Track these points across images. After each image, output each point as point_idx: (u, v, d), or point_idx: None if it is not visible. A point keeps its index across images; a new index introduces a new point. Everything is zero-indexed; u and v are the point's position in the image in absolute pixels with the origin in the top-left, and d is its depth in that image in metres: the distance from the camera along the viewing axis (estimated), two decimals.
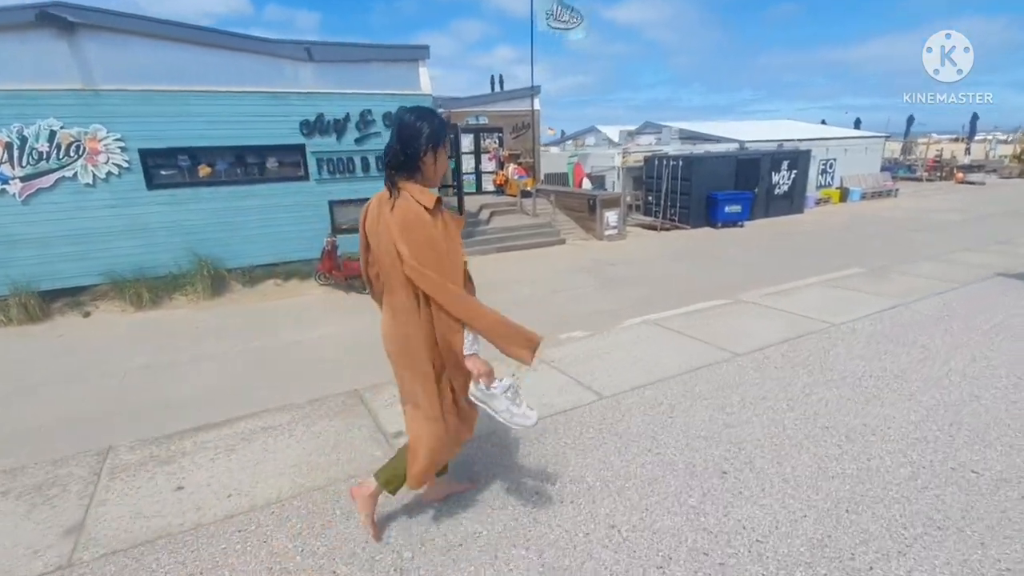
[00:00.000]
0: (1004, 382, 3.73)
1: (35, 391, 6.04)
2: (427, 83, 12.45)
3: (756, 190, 16.98)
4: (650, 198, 17.58)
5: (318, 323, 8.63)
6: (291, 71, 11.15)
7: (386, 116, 12.03)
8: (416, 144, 2.05)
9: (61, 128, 9.47)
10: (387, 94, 12.03)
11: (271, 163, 11.43)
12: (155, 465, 2.88)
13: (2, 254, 9.44)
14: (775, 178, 17.55)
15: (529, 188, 16.48)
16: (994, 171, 30.62)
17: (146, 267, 10.34)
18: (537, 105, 18.78)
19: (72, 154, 9.64)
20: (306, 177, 11.66)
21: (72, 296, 10.05)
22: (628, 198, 18.22)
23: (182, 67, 10.19)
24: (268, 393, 5.30)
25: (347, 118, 11.69)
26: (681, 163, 16.30)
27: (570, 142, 29.21)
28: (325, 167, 11.74)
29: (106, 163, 9.86)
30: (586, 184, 17.96)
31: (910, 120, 33.97)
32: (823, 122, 30.74)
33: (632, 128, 25.97)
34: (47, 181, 9.54)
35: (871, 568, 2.12)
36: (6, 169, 9.22)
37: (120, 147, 9.91)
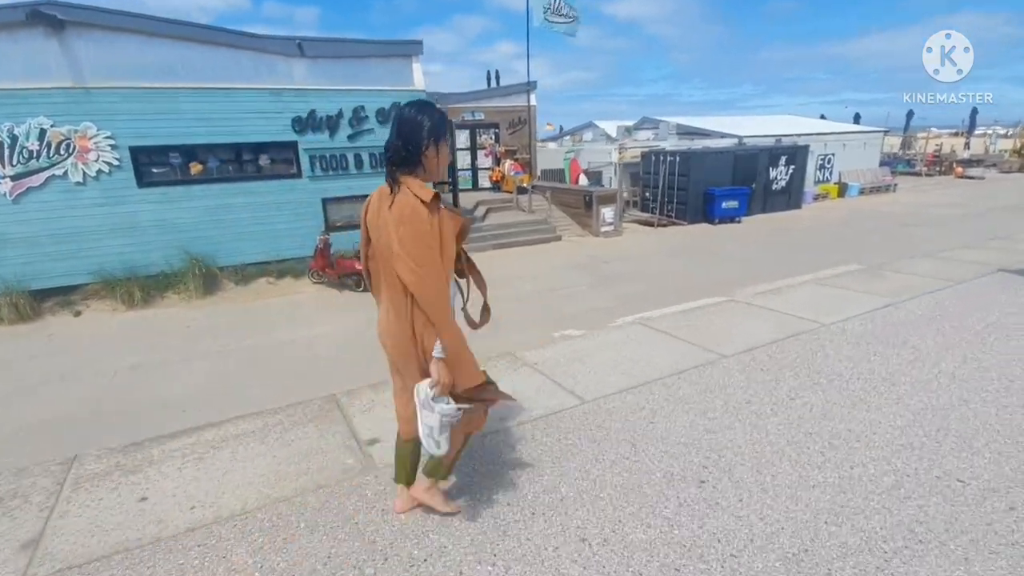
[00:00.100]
0: (995, 385, 3.65)
1: (20, 393, 5.99)
2: (420, 78, 12.34)
3: (754, 186, 16.87)
4: (647, 194, 17.47)
5: (310, 322, 8.57)
6: (283, 67, 11.05)
7: (379, 112, 11.94)
8: (418, 138, 2.06)
9: (51, 126, 9.40)
10: (380, 90, 11.94)
11: (263, 160, 11.34)
12: (120, 475, 2.81)
13: None
14: (773, 173, 17.44)
15: (525, 184, 16.38)
16: (994, 165, 30.46)
17: (137, 266, 10.28)
18: (533, 101, 18.66)
19: (62, 152, 9.57)
20: (299, 174, 11.58)
21: (63, 295, 9.99)
22: (625, 194, 18.11)
23: (173, 64, 10.10)
24: (257, 393, 5.25)
25: (340, 114, 11.60)
26: (678, 159, 16.19)
27: (568, 138, 29.06)
28: (318, 164, 11.66)
29: (96, 161, 9.79)
30: (583, 180, 17.85)
31: (909, 115, 33.78)
32: (822, 117, 30.60)
33: (630, 124, 25.82)
34: (37, 180, 9.47)
35: None
36: None
37: (110, 145, 9.83)
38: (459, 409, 2.09)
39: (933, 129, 39.27)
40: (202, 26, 10.31)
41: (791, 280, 7.39)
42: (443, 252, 2.04)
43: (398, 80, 12.19)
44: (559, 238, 14.76)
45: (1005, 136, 35.70)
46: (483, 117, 18.76)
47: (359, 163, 11.98)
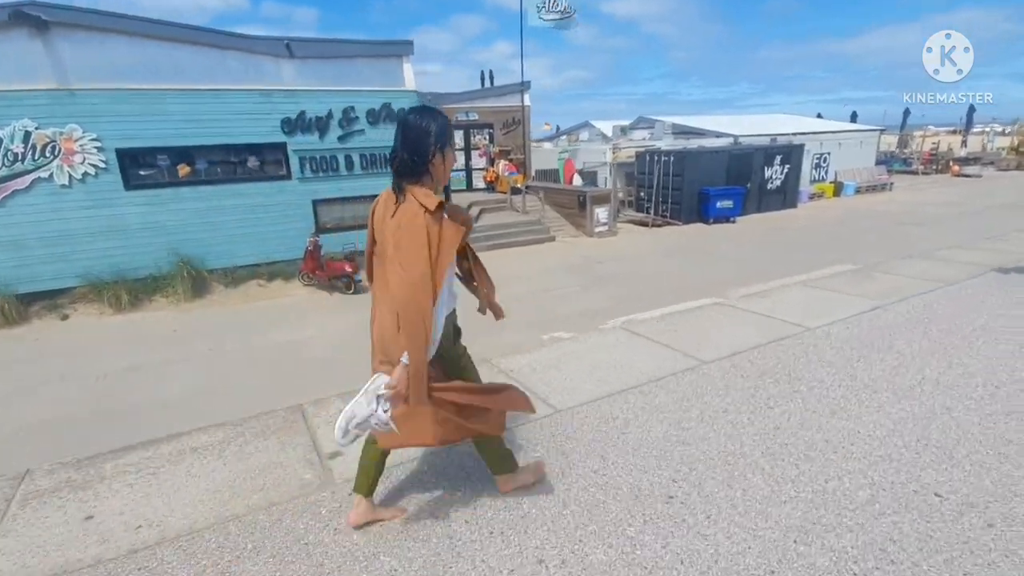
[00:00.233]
0: (979, 392, 3.55)
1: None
2: (411, 79, 12.26)
3: (748, 185, 16.79)
4: (642, 194, 17.37)
5: (298, 325, 8.48)
6: (272, 68, 10.97)
7: (370, 113, 11.86)
8: (424, 147, 2.03)
9: (36, 129, 9.33)
10: (371, 90, 11.86)
11: (252, 162, 11.26)
12: (69, 491, 2.72)
13: None
14: (768, 173, 17.34)
15: (519, 185, 16.28)
16: (991, 163, 30.33)
17: (125, 269, 10.20)
18: (528, 101, 18.55)
19: (48, 155, 9.49)
20: (288, 176, 11.50)
21: (50, 299, 9.92)
22: (620, 194, 18.02)
23: (160, 65, 10.02)
24: (233, 400, 5.16)
25: (330, 115, 11.52)
26: (673, 158, 16.09)
27: (564, 138, 28.96)
28: (308, 166, 11.57)
29: (82, 163, 9.71)
30: (577, 180, 17.76)
31: (906, 113, 33.64)
32: (819, 115, 30.49)
33: (626, 123, 25.72)
34: (22, 183, 9.39)
35: None
36: None
37: (96, 147, 9.76)
38: (387, 424, 2.06)
39: (931, 127, 39.10)
40: (188, 27, 10.22)
41: (781, 281, 7.29)
42: (439, 260, 1.99)
43: (389, 80, 12.11)
44: (553, 239, 14.67)
45: (1003, 133, 35.53)
46: (477, 117, 18.67)
47: (350, 164, 11.89)
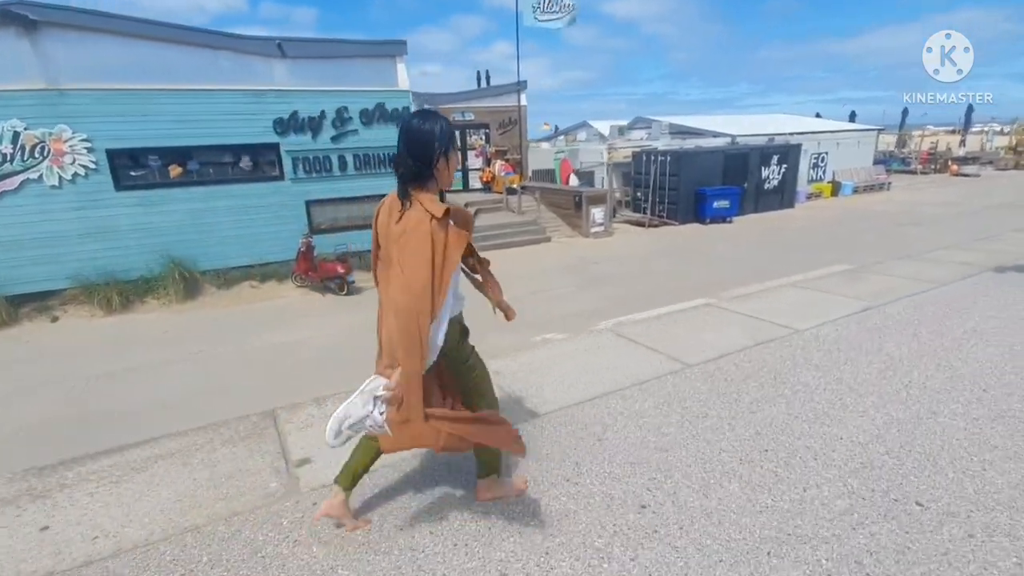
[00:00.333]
0: (967, 395, 3.48)
1: None
2: (404, 79, 12.18)
3: (745, 185, 16.72)
4: (639, 194, 17.30)
5: (290, 327, 8.40)
6: (264, 68, 10.90)
7: (363, 113, 11.78)
8: (429, 152, 2.02)
9: (25, 129, 9.25)
10: (364, 91, 11.78)
11: (245, 162, 11.18)
12: (28, 500, 2.65)
13: None
14: (765, 173, 17.26)
15: (515, 185, 16.21)
16: (990, 163, 30.23)
17: (116, 270, 10.13)
18: (524, 100, 18.49)
19: (37, 155, 9.42)
20: (281, 176, 11.43)
21: (41, 300, 9.85)
22: (617, 194, 17.96)
23: (150, 65, 9.95)
24: (223, 402, 5.07)
25: (322, 115, 11.44)
26: (669, 158, 16.02)
27: (562, 138, 28.89)
28: (301, 166, 11.49)
29: (72, 164, 9.64)
30: (573, 180, 17.68)
31: (905, 113, 33.56)
32: (818, 115, 30.41)
33: (623, 123, 25.64)
34: (11, 184, 9.33)
35: None
36: None
37: (86, 148, 9.68)
38: (382, 427, 2.03)
39: (930, 127, 38.98)
40: (179, 26, 10.15)
41: (774, 282, 7.21)
42: (444, 268, 1.98)
43: (382, 80, 12.03)
44: (548, 239, 14.61)
45: (1001, 133, 35.39)
46: (473, 117, 18.60)
47: (343, 165, 11.81)
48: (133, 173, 10.27)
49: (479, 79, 20.01)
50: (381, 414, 2.02)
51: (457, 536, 2.33)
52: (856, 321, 5.02)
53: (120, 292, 9.97)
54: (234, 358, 7.11)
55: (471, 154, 19.05)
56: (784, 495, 2.56)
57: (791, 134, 19.77)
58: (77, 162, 9.66)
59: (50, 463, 2.97)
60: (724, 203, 15.92)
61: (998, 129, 36.61)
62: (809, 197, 19.61)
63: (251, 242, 11.24)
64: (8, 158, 9.21)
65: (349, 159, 11.82)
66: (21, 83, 9.12)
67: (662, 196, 16.34)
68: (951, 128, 36.39)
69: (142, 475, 2.81)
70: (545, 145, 25.34)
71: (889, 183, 22.24)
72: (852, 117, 33.14)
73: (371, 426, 2.04)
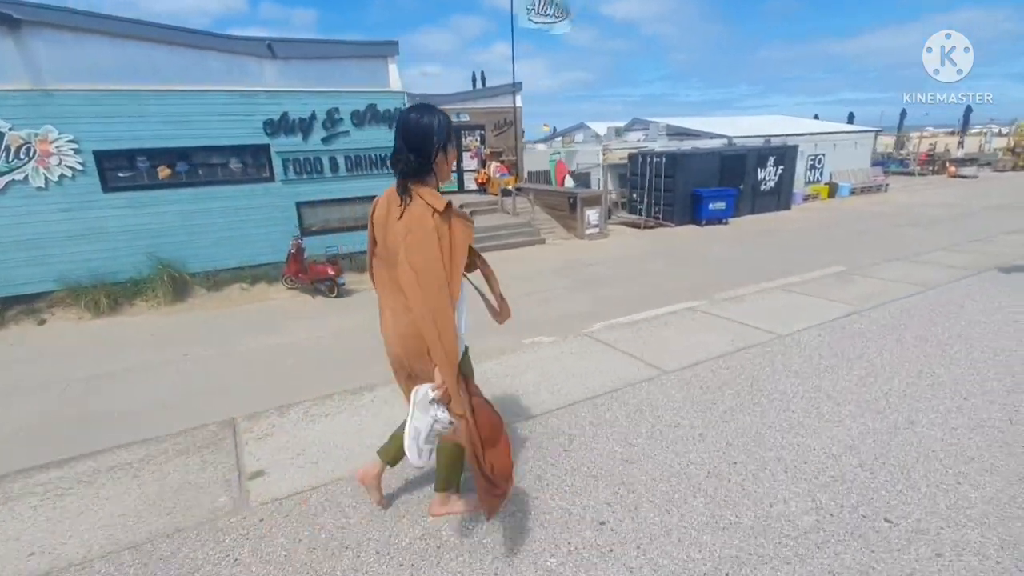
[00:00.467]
0: (947, 404, 3.39)
1: None
2: (396, 80, 12.11)
3: (741, 186, 16.62)
4: (634, 195, 17.21)
5: (278, 330, 8.31)
6: (254, 69, 10.83)
7: (355, 114, 11.70)
8: (428, 146, 2.00)
9: (10, 130, 9.17)
10: (355, 91, 11.70)
11: (235, 164, 11.10)
12: None
13: None
14: (761, 174, 17.17)
15: (511, 186, 16.13)
16: (988, 164, 30.09)
17: (104, 272, 10.05)
18: (519, 102, 18.41)
19: (22, 156, 9.33)
20: (272, 178, 11.34)
21: (27, 303, 9.77)
22: (613, 196, 17.86)
23: (138, 65, 9.88)
24: (201, 407, 4.97)
25: (313, 117, 11.36)
26: (665, 160, 15.93)
27: (559, 139, 28.80)
28: (291, 167, 11.41)
29: (59, 165, 9.56)
30: (569, 182, 17.59)
31: (903, 114, 33.43)
32: (816, 117, 30.30)
33: (620, 124, 25.55)
34: None
35: None
36: None
37: (73, 149, 9.60)
38: (451, 422, 1.99)
39: (929, 128, 38.82)
40: (167, 27, 10.08)
41: (765, 285, 7.11)
42: (453, 260, 1.96)
43: (374, 81, 11.96)
44: (543, 241, 14.52)
45: (999, 134, 35.21)
46: (468, 119, 18.52)
47: (334, 166, 11.73)
48: (121, 174, 10.18)
49: (474, 80, 19.96)
50: (444, 412, 2.00)
51: (404, 556, 2.24)
52: (841, 326, 4.92)
53: (108, 294, 9.89)
54: (221, 361, 7.02)
55: (466, 156, 18.97)
56: (748, 511, 2.47)
57: (788, 135, 19.67)
58: (63, 163, 9.58)
59: (20, 469, 2.89)
60: (720, 205, 15.82)
61: (996, 130, 36.45)
62: (806, 199, 19.52)
63: (241, 244, 11.16)
64: None
65: (340, 160, 11.74)
66: (6, 83, 9.05)
67: (658, 197, 16.24)
68: (950, 130, 36.25)
69: (89, 488, 2.73)
70: (541, 146, 25.26)
71: (887, 184, 22.12)
72: (850, 119, 33.03)
73: (441, 428, 2.03)
